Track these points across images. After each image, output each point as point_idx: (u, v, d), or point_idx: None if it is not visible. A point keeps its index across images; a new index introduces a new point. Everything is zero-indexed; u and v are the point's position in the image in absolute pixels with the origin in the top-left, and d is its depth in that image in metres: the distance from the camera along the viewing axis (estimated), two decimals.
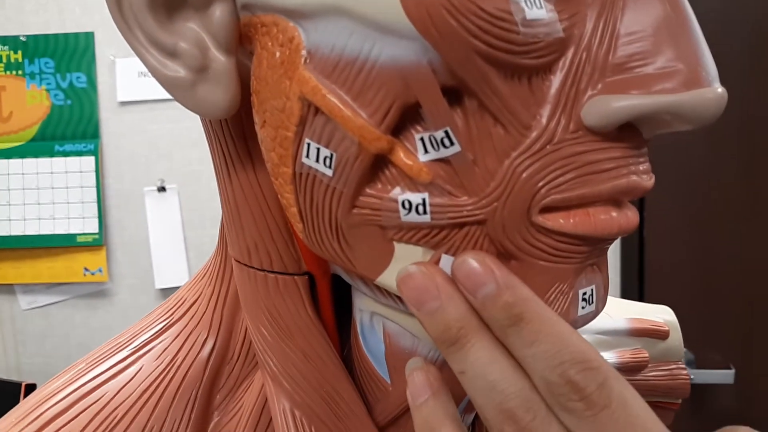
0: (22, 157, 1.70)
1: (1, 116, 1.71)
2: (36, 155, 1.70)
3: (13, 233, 1.70)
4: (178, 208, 1.69)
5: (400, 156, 0.24)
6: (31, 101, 1.70)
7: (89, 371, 0.35)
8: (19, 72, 1.70)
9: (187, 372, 0.34)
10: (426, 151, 0.24)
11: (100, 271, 1.72)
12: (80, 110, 1.69)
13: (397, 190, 0.24)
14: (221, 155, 0.30)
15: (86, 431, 0.32)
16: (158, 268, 1.71)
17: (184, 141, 1.66)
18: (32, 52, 1.69)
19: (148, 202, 1.70)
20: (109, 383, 0.34)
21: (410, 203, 0.24)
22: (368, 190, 0.25)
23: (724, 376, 1.48)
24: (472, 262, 0.24)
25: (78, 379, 0.34)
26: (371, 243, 0.26)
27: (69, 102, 1.69)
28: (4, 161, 1.70)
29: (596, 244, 0.25)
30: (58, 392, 0.34)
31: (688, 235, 1.55)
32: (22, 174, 1.70)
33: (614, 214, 0.24)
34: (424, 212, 0.24)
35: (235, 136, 0.29)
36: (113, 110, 1.69)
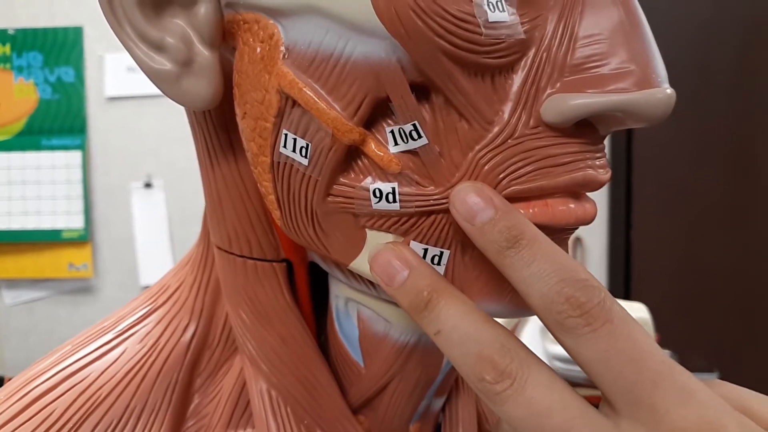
0: (9, 150, 1.70)
1: None
2: (23, 149, 1.70)
3: None
4: (164, 204, 1.70)
5: (372, 147, 0.25)
6: (18, 95, 1.70)
7: (74, 353, 0.36)
8: (7, 65, 1.70)
9: (168, 355, 0.35)
10: (396, 143, 0.25)
11: (85, 266, 1.72)
12: (68, 105, 1.69)
13: (369, 179, 0.26)
14: (204, 146, 0.32)
15: (71, 410, 0.34)
16: (144, 265, 1.71)
17: (172, 138, 1.67)
18: (21, 46, 1.70)
19: (134, 198, 1.70)
20: (94, 364, 0.35)
21: (381, 192, 0.26)
22: (342, 179, 0.26)
23: (707, 379, 1.50)
24: (470, 190, 0.25)
25: (63, 360, 0.36)
26: (345, 230, 0.27)
27: (57, 96, 1.69)
28: None
29: (555, 234, 0.27)
30: (44, 372, 0.35)
31: (675, 240, 1.58)
32: (8, 168, 1.70)
33: (572, 205, 0.26)
34: (394, 200, 0.26)
35: (218, 128, 0.31)
36: (101, 105, 1.70)
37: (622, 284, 1.61)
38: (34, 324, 1.75)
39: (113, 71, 1.68)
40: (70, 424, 0.33)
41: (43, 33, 1.69)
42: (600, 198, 1.58)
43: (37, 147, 1.69)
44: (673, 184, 1.56)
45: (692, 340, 1.56)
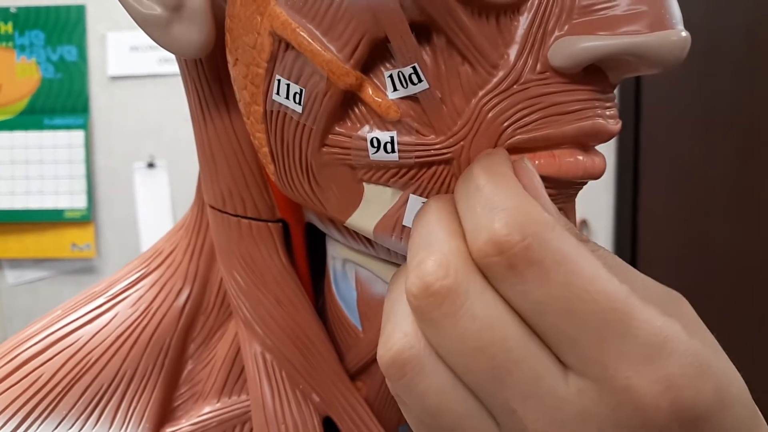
0: (11, 130, 1.69)
1: None
2: (25, 128, 1.69)
3: (1, 207, 1.69)
4: (167, 185, 1.69)
5: (369, 93, 0.24)
6: (21, 74, 1.69)
7: (65, 317, 0.35)
8: (9, 44, 1.69)
9: (161, 320, 0.34)
10: (395, 89, 0.24)
11: (88, 246, 1.71)
12: (70, 84, 1.68)
13: (366, 128, 0.25)
14: (197, 99, 0.31)
15: (59, 374, 0.33)
16: (146, 245, 1.71)
17: (174, 117, 1.66)
18: (23, 24, 1.68)
19: (137, 179, 1.69)
20: (85, 328, 0.34)
21: (379, 141, 0.24)
22: (338, 129, 0.25)
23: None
24: None
25: (53, 324, 0.35)
26: (341, 184, 0.26)
27: (59, 75, 1.68)
28: None
29: (562, 188, 0.25)
30: (34, 336, 0.34)
31: (682, 223, 1.56)
32: (11, 148, 1.69)
33: (580, 157, 0.25)
34: (392, 150, 0.24)
35: (211, 80, 0.30)
36: (103, 85, 1.68)
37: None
38: (37, 303, 1.75)
39: (116, 50, 1.66)
40: (58, 389, 0.33)
41: (46, 11, 1.67)
42: (607, 180, 1.56)
43: (40, 126, 1.68)
44: (680, 166, 1.54)
45: None
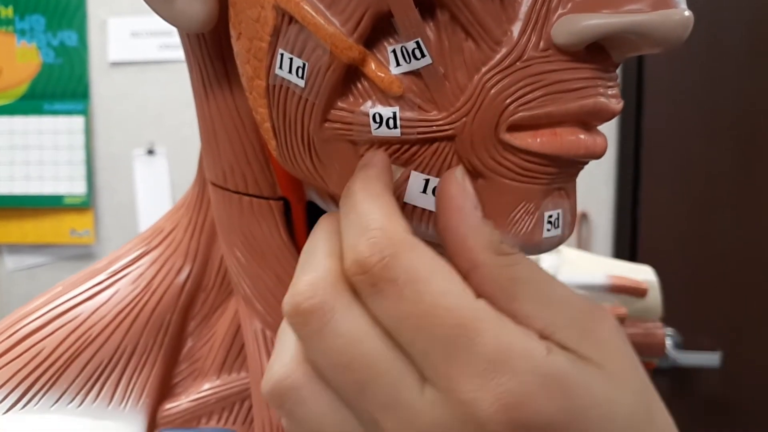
0: (11, 114, 1.68)
1: None
2: (25, 113, 1.68)
3: (0, 192, 1.69)
4: (167, 172, 1.69)
5: (372, 68, 0.24)
6: (21, 58, 1.68)
7: (66, 293, 0.35)
8: (10, 28, 1.68)
9: (162, 297, 0.35)
10: (398, 64, 0.24)
11: (87, 232, 1.71)
12: (70, 69, 1.67)
13: (369, 103, 0.25)
14: (199, 75, 0.31)
15: (59, 349, 0.33)
16: None
17: (175, 104, 1.65)
18: (23, 9, 1.67)
19: (136, 165, 1.69)
20: (85, 304, 0.34)
21: (381, 117, 0.24)
22: (340, 104, 0.25)
23: (711, 359, 1.49)
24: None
25: (54, 300, 0.35)
26: (343, 160, 0.26)
27: (59, 60, 1.67)
28: None
29: (563, 166, 0.25)
30: (34, 311, 0.34)
31: (682, 220, 1.56)
32: (11, 132, 1.69)
33: (582, 136, 0.25)
34: (395, 126, 0.24)
35: (213, 56, 0.30)
36: (104, 70, 1.68)
37: (629, 261, 1.60)
38: (36, 289, 1.75)
39: (116, 36, 1.66)
40: (58, 363, 0.33)
41: None
42: (607, 173, 1.56)
43: (40, 111, 1.68)
44: (682, 160, 1.54)
45: (699, 320, 1.55)
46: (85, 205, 1.69)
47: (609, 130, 1.53)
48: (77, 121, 1.68)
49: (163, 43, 1.63)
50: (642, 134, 1.55)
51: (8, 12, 1.68)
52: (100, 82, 1.68)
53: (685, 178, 1.54)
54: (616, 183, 1.58)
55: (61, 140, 1.68)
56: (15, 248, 1.75)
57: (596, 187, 1.58)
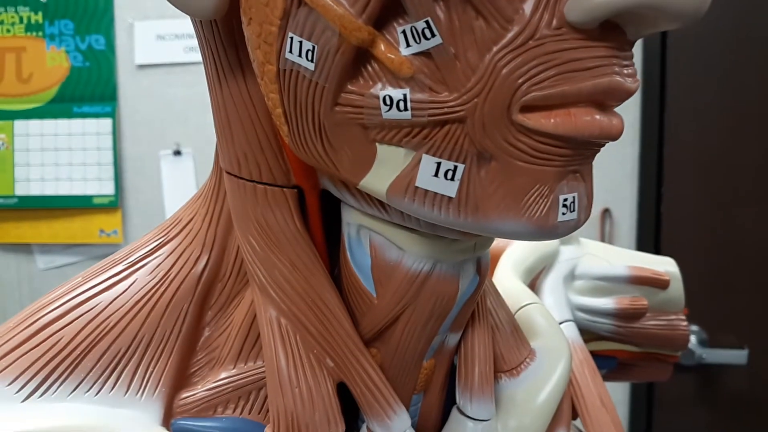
0: (42, 118, 1.72)
1: (21, 77, 1.73)
2: (55, 116, 1.71)
3: (32, 193, 1.73)
4: (193, 172, 1.71)
5: (382, 49, 0.24)
6: (50, 63, 1.72)
7: (84, 283, 0.35)
8: (39, 33, 1.71)
9: (179, 287, 0.35)
10: (408, 45, 0.24)
11: (116, 232, 1.74)
12: (98, 72, 1.70)
13: (379, 85, 0.24)
14: (213, 63, 0.31)
15: (78, 338, 0.33)
16: None
17: (200, 105, 1.67)
18: (52, 14, 1.71)
19: (163, 166, 1.71)
20: (103, 294, 0.35)
21: (391, 99, 0.24)
22: (350, 87, 0.25)
23: (737, 356, 1.46)
24: None
25: (73, 290, 0.35)
26: (354, 144, 0.26)
27: (88, 64, 1.70)
28: (24, 122, 1.72)
29: (578, 148, 0.25)
30: (53, 301, 0.35)
31: (705, 216, 1.53)
32: (41, 135, 1.72)
33: (597, 116, 0.24)
34: (405, 108, 0.24)
35: (226, 44, 0.30)
36: (131, 73, 1.70)
37: None
38: None
39: (143, 39, 1.68)
40: (77, 352, 0.33)
41: (74, 1, 1.69)
42: (630, 169, 1.54)
43: (69, 114, 1.71)
44: (705, 155, 1.51)
45: (724, 316, 1.51)
46: (114, 205, 1.72)
47: (631, 125, 1.51)
48: (105, 123, 1.70)
49: (188, 46, 1.65)
50: (665, 130, 1.53)
51: (38, 17, 1.71)
52: (128, 85, 1.71)
53: (708, 174, 1.51)
54: (638, 179, 1.56)
55: (90, 142, 1.71)
56: (46, 248, 1.78)
57: (619, 182, 1.55)
